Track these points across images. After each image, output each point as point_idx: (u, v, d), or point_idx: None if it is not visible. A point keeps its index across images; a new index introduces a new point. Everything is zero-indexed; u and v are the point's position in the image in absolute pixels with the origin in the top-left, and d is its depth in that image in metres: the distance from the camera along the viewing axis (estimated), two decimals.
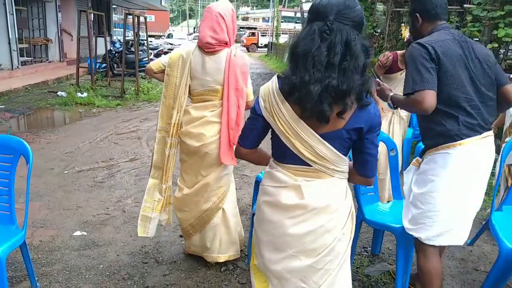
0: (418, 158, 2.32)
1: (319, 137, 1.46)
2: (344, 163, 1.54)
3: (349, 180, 1.64)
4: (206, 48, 2.54)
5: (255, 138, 1.61)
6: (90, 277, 2.74)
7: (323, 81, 1.35)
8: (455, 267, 3.03)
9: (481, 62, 2.10)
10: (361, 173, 1.59)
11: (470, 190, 2.14)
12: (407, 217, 2.28)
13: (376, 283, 2.80)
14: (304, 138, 1.46)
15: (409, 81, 2.02)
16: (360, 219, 2.72)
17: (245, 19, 60.20)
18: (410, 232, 2.24)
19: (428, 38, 2.11)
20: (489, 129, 2.14)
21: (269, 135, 1.62)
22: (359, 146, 1.52)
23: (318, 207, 1.51)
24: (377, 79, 2.45)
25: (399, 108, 2.73)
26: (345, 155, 1.53)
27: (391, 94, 2.25)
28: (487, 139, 2.12)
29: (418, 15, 2.22)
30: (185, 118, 2.68)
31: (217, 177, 2.70)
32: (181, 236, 3.28)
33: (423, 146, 2.30)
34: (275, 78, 1.54)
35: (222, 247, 2.84)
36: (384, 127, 3.58)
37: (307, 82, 1.37)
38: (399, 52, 3.59)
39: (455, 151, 2.07)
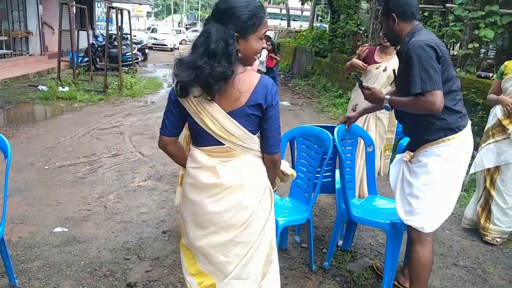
0: (409, 152, 2.35)
1: (226, 114, 1.60)
2: (252, 140, 1.66)
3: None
4: None
5: (172, 124, 1.72)
6: (70, 274, 2.70)
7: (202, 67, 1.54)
8: (435, 262, 3.07)
9: None
10: (266, 150, 1.71)
11: (463, 172, 2.32)
12: (405, 209, 2.32)
13: (358, 278, 2.83)
14: (214, 115, 1.60)
15: (416, 80, 2.04)
16: (345, 217, 2.75)
17: None
18: (410, 223, 2.28)
19: (426, 37, 2.12)
20: None
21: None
22: (263, 124, 1.66)
23: (233, 185, 1.65)
24: (364, 84, 2.45)
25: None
26: (254, 133, 1.66)
27: (388, 96, 2.27)
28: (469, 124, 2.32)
29: (394, 15, 2.22)
30: None
31: None
32: (164, 232, 3.26)
33: (405, 140, 2.33)
34: None
35: None
36: (359, 123, 3.52)
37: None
38: (377, 47, 3.64)
39: (455, 142, 2.20)
